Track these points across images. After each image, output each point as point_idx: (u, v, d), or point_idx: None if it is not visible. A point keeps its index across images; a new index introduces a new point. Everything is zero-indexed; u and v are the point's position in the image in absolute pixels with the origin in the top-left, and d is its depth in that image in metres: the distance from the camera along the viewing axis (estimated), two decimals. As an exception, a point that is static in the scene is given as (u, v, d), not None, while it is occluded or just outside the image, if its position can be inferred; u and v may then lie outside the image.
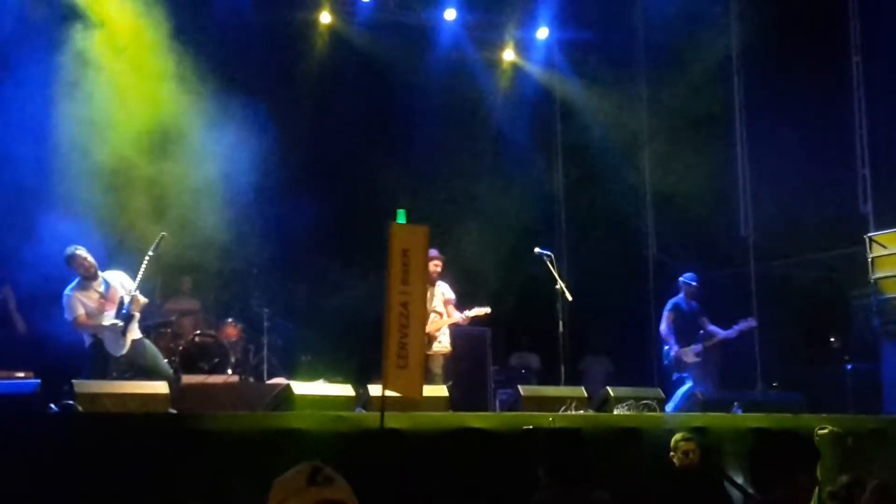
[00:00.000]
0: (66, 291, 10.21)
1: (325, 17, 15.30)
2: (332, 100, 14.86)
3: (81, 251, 10.20)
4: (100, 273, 10.30)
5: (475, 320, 12.31)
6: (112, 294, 10.29)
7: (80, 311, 10.14)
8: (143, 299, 10.41)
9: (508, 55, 16.75)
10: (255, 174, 13.09)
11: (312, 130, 14.41)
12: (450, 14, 15.85)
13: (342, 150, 14.67)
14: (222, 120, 12.80)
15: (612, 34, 16.04)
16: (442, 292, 12.14)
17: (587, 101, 16.39)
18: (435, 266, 11.92)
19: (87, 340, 10.31)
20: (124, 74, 12.59)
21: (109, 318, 10.20)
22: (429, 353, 11.62)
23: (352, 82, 15.14)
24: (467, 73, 16.14)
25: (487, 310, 12.17)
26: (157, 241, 10.36)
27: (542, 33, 16.64)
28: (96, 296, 10.24)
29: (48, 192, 11.93)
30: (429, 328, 11.57)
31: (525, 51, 16.86)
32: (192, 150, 12.73)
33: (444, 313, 12.06)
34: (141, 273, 10.30)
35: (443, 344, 12.02)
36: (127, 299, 10.19)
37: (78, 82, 12.25)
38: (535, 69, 16.89)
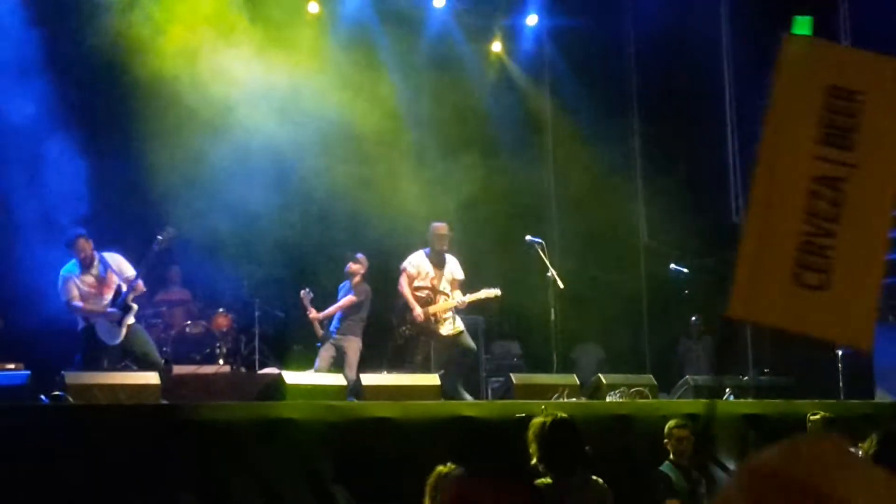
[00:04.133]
0: (63, 272, 10.10)
1: (314, 7, 15.07)
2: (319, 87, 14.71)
3: (83, 238, 10.10)
4: (96, 254, 10.17)
5: (477, 304, 11.66)
6: (109, 278, 10.18)
7: (74, 292, 10.04)
8: (142, 287, 10.39)
9: (497, 43, 16.64)
10: (244, 162, 13.06)
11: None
12: (439, 2, 15.73)
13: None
14: (206, 109, 12.77)
15: (602, 21, 15.98)
16: (451, 271, 11.50)
17: (577, 88, 16.34)
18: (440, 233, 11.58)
19: (80, 324, 10.22)
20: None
21: (104, 304, 10.11)
22: (442, 334, 11.23)
23: (339, 72, 14.98)
24: (456, 59, 16.03)
25: (497, 291, 11.60)
26: (165, 234, 10.31)
27: (532, 20, 16.57)
28: (91, 279, 10.14)
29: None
30: (434, 309, 11.26)
31: (515, 38, 16.77)
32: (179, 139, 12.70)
33: (449, 295, 11.38)
34: (143, 264, 10.29)
35: (456, 325, 11.31)
36: (125, 288, 10.12)
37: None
38: (524, 56, 16.81)
